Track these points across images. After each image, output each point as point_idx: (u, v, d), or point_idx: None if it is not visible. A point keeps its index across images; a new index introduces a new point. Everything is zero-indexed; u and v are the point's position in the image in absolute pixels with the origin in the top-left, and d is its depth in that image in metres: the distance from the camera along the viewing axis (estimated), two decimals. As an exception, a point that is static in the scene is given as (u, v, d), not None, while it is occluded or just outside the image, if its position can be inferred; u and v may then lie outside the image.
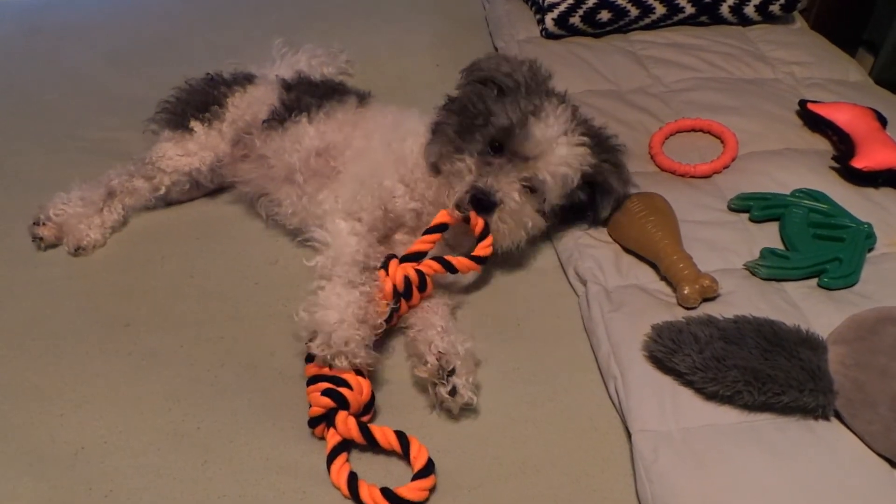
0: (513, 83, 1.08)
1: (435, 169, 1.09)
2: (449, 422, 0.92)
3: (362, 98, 1.25)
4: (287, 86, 1.27)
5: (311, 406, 0.89)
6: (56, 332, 1.06)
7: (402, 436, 0.87)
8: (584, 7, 1.54)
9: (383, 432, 0.87)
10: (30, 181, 1.32)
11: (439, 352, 0.91)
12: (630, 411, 0.88)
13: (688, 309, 0.99)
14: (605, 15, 1.55)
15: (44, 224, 1.17)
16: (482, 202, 1.01)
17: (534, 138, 1.02)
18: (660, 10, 1.56)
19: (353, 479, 0.84)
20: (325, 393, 0.87)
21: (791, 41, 1.57)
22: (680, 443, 0.84)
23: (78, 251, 1.17)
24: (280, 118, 1.20)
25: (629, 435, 0.88)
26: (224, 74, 1.32)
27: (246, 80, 1.28)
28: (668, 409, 0.87)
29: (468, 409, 0.92)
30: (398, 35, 1.74)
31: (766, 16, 1.60)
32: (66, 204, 1.19)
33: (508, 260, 1.14)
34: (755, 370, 0.84)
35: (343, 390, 0.87)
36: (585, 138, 1.06)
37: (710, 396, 0.86)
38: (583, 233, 1.14)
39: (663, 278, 1.05)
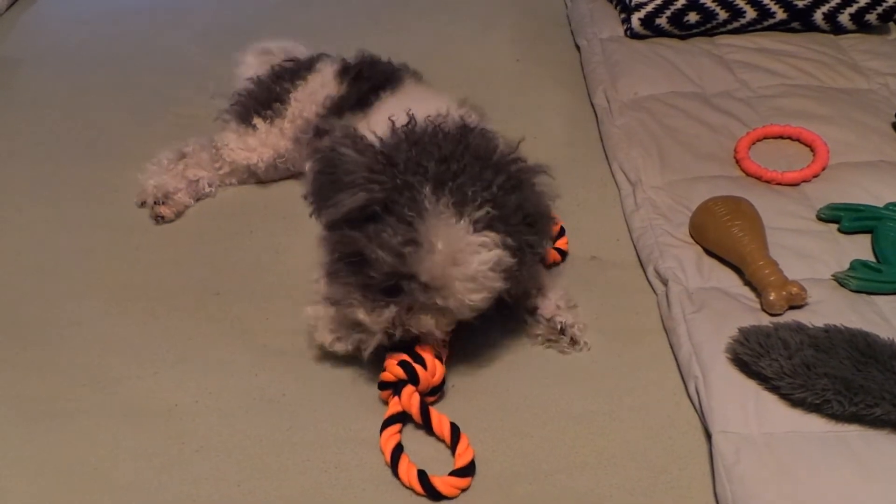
0: (370, 202, 0.84)
1: None
2: (526, 406, 0.94)
3: (394, 87, 1.18)
4: (343, 72, 1.25)
5: (384, 370, 0.92)
6: (152, 295, 1.12)
7: (455, 429, 0.88)
8: (672, 8, 1.53)
9: (440, 419, 0.88)
10: (126, 153, 1.38)
11: (548, 319, 1.00)
12: (711, 412, 0.88)
13: (772, 315, 0.98)
14: (692, 17, 1.54)
15: (163, 203, 1.24)
16: (406, 348, 0.89)
17: (425, 275, 0.83)
18: (750, 14, 1.54)
19: (398, 450, 0.86)
20: (401, 364, 0.89)
21: (886, 51, 1.53)
22: (763, 447, 0.83)
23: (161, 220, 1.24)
24: (321, 132, 1.19)
25: (708, 435, 0.88)
26: (286, 65, 1.31)
27: (307, 69, 1.28)
28: (750, 412, 0.87)
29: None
30: (478, 29, 1.76)
31: (861, 25, 1.56)
32: (155, 168, 1.28)
33: (585, 253, 1.14)
34: (846, 380, 0.83)
35: (418, 367, 0.89)
36: (493, 235, 0.83)
37: (797, 403, 0.85)
38: (664, 231, 1.14)
39: (747, 283, 1.04)
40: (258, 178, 1.30)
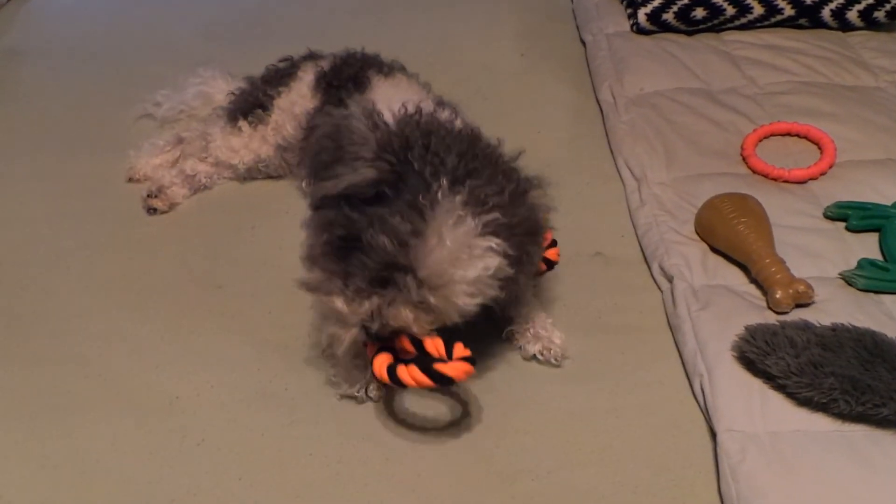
0: (379, 182, 0.79)
1: None
2: (529, 403, 0.94)
3: (362, 91, 1.14)
4: (318, 81, 1.21)
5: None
6: (152, 288, 1.11)
7: (448, 343, 0.85)
8: (679, 3, 1.52)
9: (433, 340, 0.84)
10: (127, 147, 1.36)
11: (544, 347, 0.97)
12: (716, 410, 0.87)
13: (779, 314, 0.97)
14: (699, 12, 1.52)
15: (156, 196, 1.23)
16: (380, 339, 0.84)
17: (425, 270, 0.78)
18: (758, 10, 1.52)
19: (392, 365, 0.83)
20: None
21: (895, 49, 1.51)
22: (768, 446, 0.83)
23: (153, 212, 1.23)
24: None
25: (712, 434, 0.87)
26: (278, 66, 1.30)
27: (290, 75, 1.26)
28: (756, 411, 0.86)
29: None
30: (483, 23, 1.74)
31: (869, 22, 1.55)
32: (148, 156, 1.29)
33: (590, 249, 1.14)
34: (854, 379, 0.82)
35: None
36: (497, 241, 0.79)
37: (803, 402, 0.85)
38: (669, 228, 1.13)
39: (753, 281, 1.03)
40: (240, 177, 1.29)
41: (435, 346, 0.85)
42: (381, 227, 0.78)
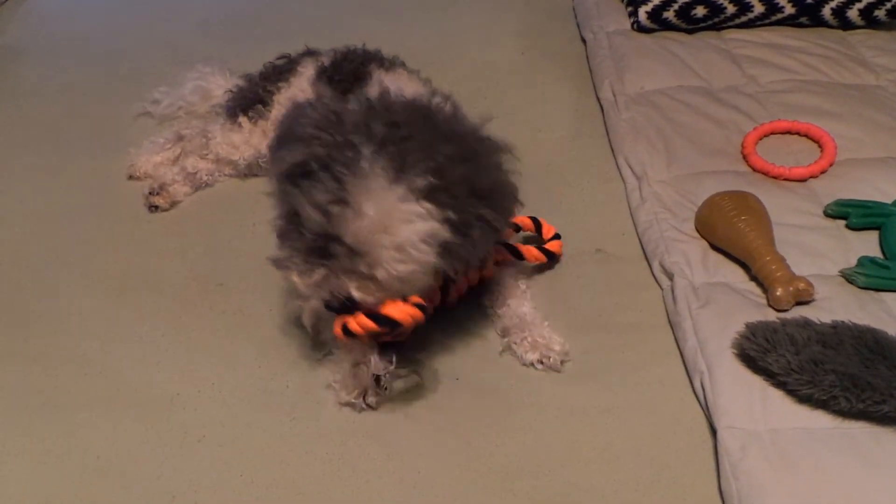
0: (309, 158, 0.82)
1: None
2: (529, 401, 0.94)
3: (362, 85, 1.14)
4: (318, 77, 1.23)
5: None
6: (154, 285, 1.12)
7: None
8: (680, 1, 1.52)
9: (394, 303, 0.85)
10: (127, 144, 1.36)
11: (542, 355, 0.96)
12: (717, 408, 0.87)
13: (779, 311, 0.97)
14: (700, 11, 1.52)
15: (157, 194, 1.23)
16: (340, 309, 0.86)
17: (350, 238, 0.80)
18: (758, 8, 1.52)
19: (345, 325, 0.86)
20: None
21: (895, 48, 1.51)
22: (769, 443, 0.83)
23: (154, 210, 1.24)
24: None
25: (713, 431, 0.87)
26: (277, 63, 1.31)
27: (289, 71, 1.28)
28: (756, 408, 0.86)
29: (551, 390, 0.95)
30: (483, 23, 1.74)
31: (870, 21, 1.55)
32: (149, 154, 1.30)
33: (590, 247, 1.14)
34: (854, 377, 0.82)
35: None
36: (430, 207, 0.79)
37: (803, 399, 0.85)
38: (670, 225, 1.13)
39: (753, 278, 1.03)
40: (240, 174, 1.30)
41: (396, 307, 0.86)
42: (307, 199, 0.80)
